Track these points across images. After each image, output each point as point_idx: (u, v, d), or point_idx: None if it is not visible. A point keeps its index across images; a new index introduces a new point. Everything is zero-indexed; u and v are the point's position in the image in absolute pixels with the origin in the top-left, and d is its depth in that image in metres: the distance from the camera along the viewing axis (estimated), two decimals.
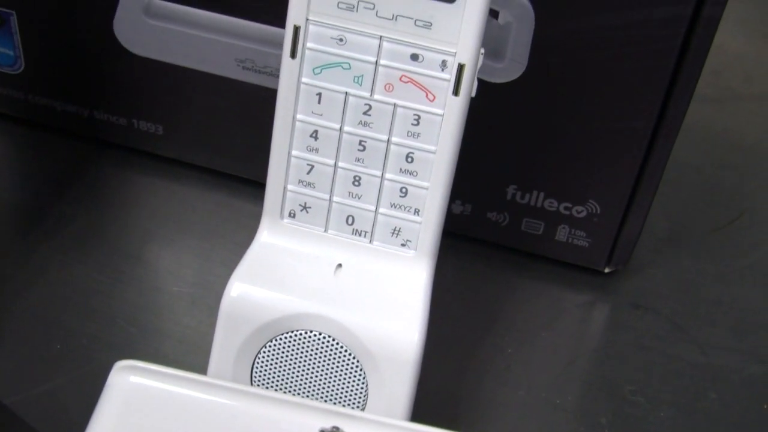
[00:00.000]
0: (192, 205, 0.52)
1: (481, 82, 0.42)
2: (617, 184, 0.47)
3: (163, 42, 0.48)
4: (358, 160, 0.36)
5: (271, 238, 0.38)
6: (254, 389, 0.35)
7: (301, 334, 0.36)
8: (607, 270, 0.50)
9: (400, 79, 0.35)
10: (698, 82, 0.44)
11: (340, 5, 0.34)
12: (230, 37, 0.47)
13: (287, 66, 0.36)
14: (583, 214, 0.48)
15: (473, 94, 0.35)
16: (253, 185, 0.52)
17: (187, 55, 0.48)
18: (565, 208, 0.48)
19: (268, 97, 0.47)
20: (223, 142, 0.52)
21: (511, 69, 0.44)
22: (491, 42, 0.43)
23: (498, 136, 0.47)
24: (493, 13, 0.42)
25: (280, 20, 0.45)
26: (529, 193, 0.48)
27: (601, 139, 0.45)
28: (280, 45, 0.45)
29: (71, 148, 0.54)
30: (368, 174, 0.37)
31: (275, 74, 0.47)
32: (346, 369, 0.37)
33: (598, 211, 0.48)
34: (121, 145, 0.54)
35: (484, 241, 0.51)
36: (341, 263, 0.38)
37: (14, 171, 0.54)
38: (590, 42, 0.43)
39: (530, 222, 0.49)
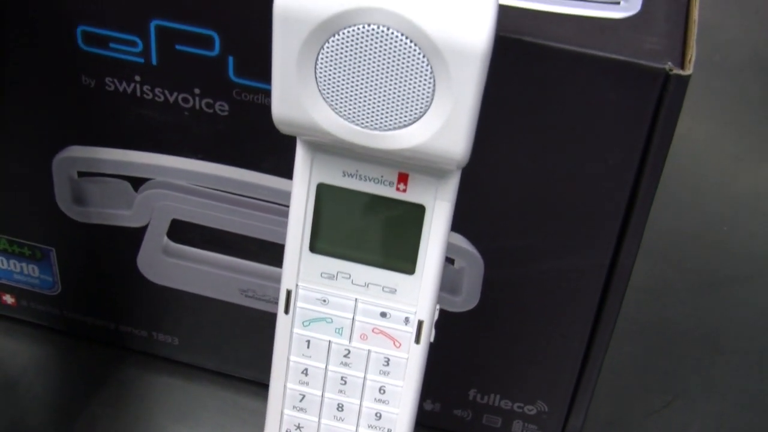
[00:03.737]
0: (203, 403, 0.57)
1: (443, 311, 0.48)
2: (561, 387, 0.52)
3: (178, 275, 0.53)
4: (341, 392, 0.42)
5: None
6: None
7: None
8: None
9: (372, 330, 0.40)
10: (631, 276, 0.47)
11: (323, 275, 0.39)
12: (234, 273, 0.53)
13: (282, 319, 0.40)
14: (534, 411, 0.53)
15: (432, 340, 0.40)
16: (255, 385, 0.57)
17: (199, 285, 0.54)
18: (518, 407, 0.54)
19: (266, 316, 0.53)
20: (229, 351, 0.57)
21: (466, 302, 0.49)
22: (449, 282, 0.48)
23: (460, 351, 0.52)
24: (449, 260, 0.48)
25: (273, 260, 0.51)
26: (488, 395, 0.53)
27: (544, 354, 0.51)
28: (275, 279, 0.51)
29: (100, 354, 0.58)
30: (349, 402, 0.42)
31: (272, 301, 0.53)
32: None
33: (546, 410, 0.53)
34: (142, 352, 0.58)
35: None
36: None
37: (51, 374, 0.58)
38: (529, 282, 0.48)
39: (490, 417, 0.54)
